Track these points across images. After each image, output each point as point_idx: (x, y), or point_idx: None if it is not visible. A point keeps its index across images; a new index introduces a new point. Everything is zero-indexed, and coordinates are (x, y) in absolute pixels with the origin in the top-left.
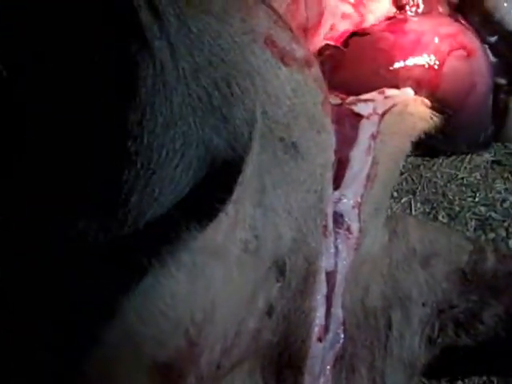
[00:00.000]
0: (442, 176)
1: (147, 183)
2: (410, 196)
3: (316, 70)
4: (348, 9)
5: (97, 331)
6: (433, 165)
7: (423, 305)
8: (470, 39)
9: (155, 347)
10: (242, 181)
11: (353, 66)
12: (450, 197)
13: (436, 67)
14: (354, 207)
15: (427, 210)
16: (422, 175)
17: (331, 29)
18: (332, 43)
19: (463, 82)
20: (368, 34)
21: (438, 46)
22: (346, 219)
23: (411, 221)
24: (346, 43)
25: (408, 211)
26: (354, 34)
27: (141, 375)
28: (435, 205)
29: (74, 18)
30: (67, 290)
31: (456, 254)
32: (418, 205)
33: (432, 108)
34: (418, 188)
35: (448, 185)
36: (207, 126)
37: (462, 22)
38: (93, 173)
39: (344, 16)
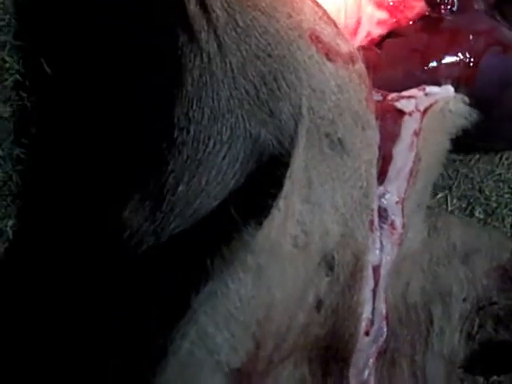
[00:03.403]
0: (478, 172)
1: (194, 174)
2: (446, 191)
3: (360, 66)
4: (384, 15)
5: (169, 336)
6: (469, 160)
7: (464, 300)
8: (506, 35)
9: (229, 352)
10: (291, 175)
11: (388, 68)
12: (487, 193)
13: (472, 64)
14: (397, 203)
15: (463, 206)
16: (458, 171)
17: (367, 36)
18: (366, 46)
19: (500, 78)
20: (402, 35)
21: (473, 43)
22: (390, 214)
23: (451, 218)
24: (380, 46)
25: (444, 207)
26: (388, 35)
27: (218, 382)
28: (471, 200)
29: (121, 9)
30: (136, 294)
31: (497, 251)
32: (454, 200)
33: (469, 104)
34: (454, 183)
35: (485, 180)
36: (254, 120)
37: (498, 18)
38: (140, 161)
39: (380, 22)
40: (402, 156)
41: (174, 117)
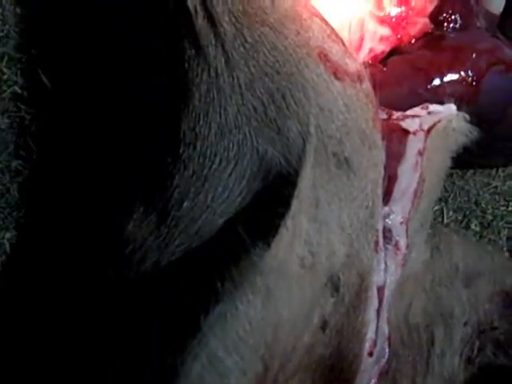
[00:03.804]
0: (474, 184)
1: (200, 190)
2: (442, 204)
3: (367, 85)
4: (386, 31)
5: (180, 357)
6: (465, 173)
7: (465, 324)
8: (508, 54)
9: (238, 376)
10: (298, 195)
11: (392, 85)
12: (483, 205)
13: (475, 83)
14: (402, 223)
15: (459, 219)
16: (454, 183)
17: (370, 52)
18: (370, 62)
19: (502, 96)
20: (406, 52)
21: (476, 62)
22: (395, 235)
23: (454, 238)
24: (384, 62)
25: (440, 219)
26: (392, 52)
27: None
28: (467, 213)
29: (127, 22)
30: (140, 312)
31: (500, 275)
32: (450, 213)
33: (470, 122)
34: (450, 196)
35: (481, 193)
36: (262, 137)
37: (501, 36)
38: (145, 174)
39: (382, 39)
40: (407, 176)
41: (180, 131)
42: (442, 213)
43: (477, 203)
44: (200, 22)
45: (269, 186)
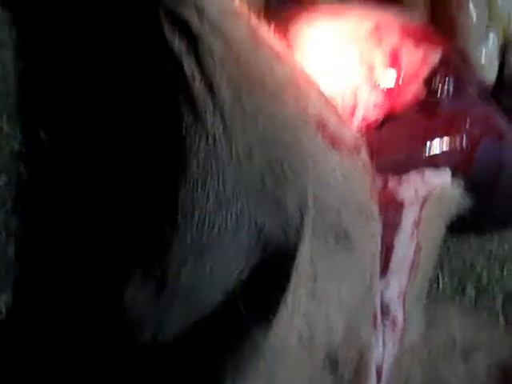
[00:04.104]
0: (469, 248)
1: (198, 259)
2: (438, 270)
3: (364, 155)
4: (380, 97)
5: None
6: (460, 237)
7: None
8: (501, 122)
9: None
10: (297, 268)
11: (388, 151)
12: (478, 270)
13: (469, 150)
14: (399, 296)
15: (455, 283)
16: (449, 248)
17: (364, 118)
18: (365, 128)
19: (495, 163)
20: (401, 118)
21: (470, 129)
22: (392, 309)
23: (451, 309)
24: (379, 128)
25: (435, 284)
26: (387, 118)
27: None
28: (463, 277)
29: (123, 86)
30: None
31: (497, 348)
32: (446, 278)
33: (464, 189)
34: (444, 260)
35: (476, 257)
36: (260, 208)
37: (492, 104)
38: (142, 244)
39: (376, 105)
40: (403, 247)
41: (177, 200)
42: (438, 278)
43: (472, 268)
44: (197, 86)
45: (267, 259)
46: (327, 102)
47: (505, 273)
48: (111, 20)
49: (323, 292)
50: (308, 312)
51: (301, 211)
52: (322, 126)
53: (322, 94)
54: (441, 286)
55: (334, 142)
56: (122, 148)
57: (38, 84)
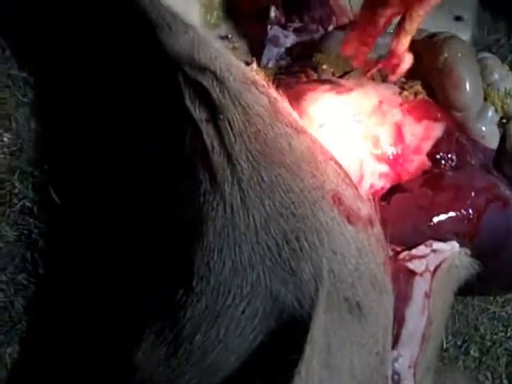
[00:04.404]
0: (473, 309)
1: (212, 324)
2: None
3: (378, 229)
4: (385, 168)
5: None
6: (464, 298)
7: None
8: (505, 190)
9: None
10: (311, 340)
11: (396, 222)
12: (482, 331)
13: (475, 219)
14: (410, 367)
15: (458, 343)
16: (453, 307)
17: (370, 188)
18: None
19: (500, 231)
20: (407, 189)
21: (475, 200)
22: (403, 379)
23: (459, 375)
24: (387, 199)
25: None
26: (393, 189)
27: None
28: (467, 338)
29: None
30: None
31: None
32: (450, 337)
33: (471, 256)
34: (449, 320)
35: (479, 318)
36: (275, 278)
37: (495, 173)
38: (157, 306)
39: (382, 175)
40: (414, 319)
41: (194, 264)
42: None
43: (476, 328)
44: (216, 158)
45: (281, 327)
46: (344, 176)
47: (508, 334)
48: (134, 84)
49: (336, 364)
50: (322, 383)
51: (315, 282)
52: (337, 200)
53: (339, 168)
54: (445, 345)
55: (350, 217)
56: (140, 210)
57: (50, 143)
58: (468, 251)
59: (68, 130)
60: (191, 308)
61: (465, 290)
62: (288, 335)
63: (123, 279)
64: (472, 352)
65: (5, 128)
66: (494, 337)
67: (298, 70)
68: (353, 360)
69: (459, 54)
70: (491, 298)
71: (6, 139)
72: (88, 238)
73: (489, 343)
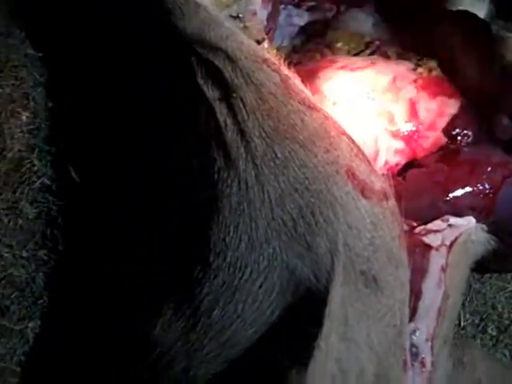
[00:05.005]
0: (491, 287)
1: (230, 299)
2: (459, 308)
3: (393, 203)
4: (400, 144)
5: None
6: (482, 276)
7: None
8: None
9: None
10: (329, 313)
11: (412, 197)
12: (500, 309)
13: (491, 195)
14: (427, 340)
15: (476, 322)
16: (471, 286)
17: (385, 164)
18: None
19: None
20: (423, 165)
21: (491, 175)
22: (421, 352)
23: (477, 352)
24: (403, 175)
25: (456, 322)
26: (409, 165)
27: None
28: (484, 316)
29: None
30: None
31: None
32: (467, 315)
33: (488, 232)
34: (466, 299)
35: (497, 297)
36: (291, 252)
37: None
38: (173, 279)
39: (397, 152)
40: (431, 293)
41: (210, 240)
42: (459, 315)
43: (493, 307)
44: (230, 135)
45: (299, 301)
46: (358, 151)
47: None
48: (144, 65)
49: (354, 336)
50: (340, 356)
51: (331, 256)
52: (351, 175)
53: (352, 143)
54: (462, 323)
55: (364, 191)
56: (155, 187)
57: (67, 121)
58: (484, 227)
59: (82, 111)
60: (208, 284)
61: (482, 268)
62: (305, 309)
63: (140, 256)
64: (490, 330)
65: (23, 107)
66: None
67: (312, 49)
68: (370, 333)
69: None
70: (508, 277)
71: (24, 118)
72: (106, 214)
73: (506, 322)
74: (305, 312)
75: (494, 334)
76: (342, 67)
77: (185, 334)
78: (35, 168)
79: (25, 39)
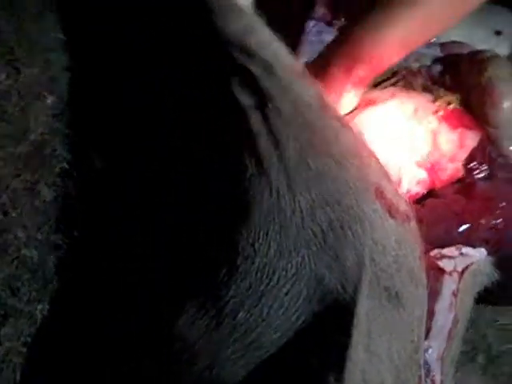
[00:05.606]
0: (484, 319)
1: (256, 303)
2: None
3: (414, 225)
4: (423, 174)
5: None
6: (476, 309)
7: None
8: None
9: None
10: (357, 324)
11: (429, 224)
12: (490, 341)
13: (504, 229)
14: (437, 359)
15: (467, 350)
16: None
17: (407, 193)
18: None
19: None
20: (441, 196)
21: (504, 210)
22: (432, 370)
23: (472, 375)
24: (422, 203)
25: None
26: (428, 195)
27: None
28: (475, 345)
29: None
30: None
31: None
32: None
33: (495, 265)
34: None
35: (488, 328)
36: (320, 262)
37: None
38: (198, 279)
39: (419, 182)
40: (443, 315)
41: (238, 245)
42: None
43: (484, 338)
44: (263, 144)
45: (325, 309)
46: (385, 172)
47: None
48: (181, 69)
49: (376, 349)
50: (364, 367)
51: (359, 269)
52: (380, 194)
53: (381, 165)
54: None
55: (391, 210)
56: (184, 188)
57: (91, 108)
58: (492, 259)
59: (104, 100)
60: (235, 286)
61: (480, 298)
62: (331, 318)
63: (165, 251)
64: (479, 360)
65: (49, 90)
66: (501, 348)
67: None
68: (391, 346)
69: (502, 74)
70: (501, 309)
71: (49, 101)
72: (132, 204)
73: (494, 353)
74: (331, 321)
75: (483, 363)
76: (366, 104)
77: (208, 332)
78: (57, 152)
79: (56, 23)
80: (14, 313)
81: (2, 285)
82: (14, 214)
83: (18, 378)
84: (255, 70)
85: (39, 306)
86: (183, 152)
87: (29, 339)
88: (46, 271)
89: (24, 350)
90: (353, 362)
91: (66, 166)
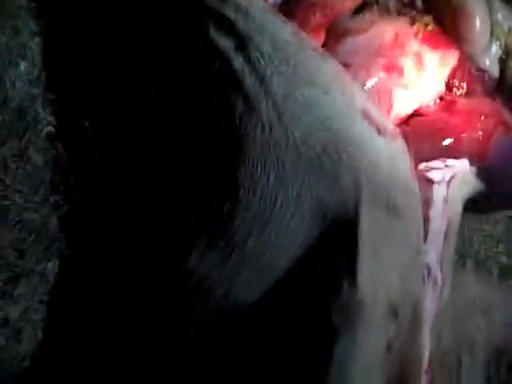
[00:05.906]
0: (468, 229)
1: (263, 229)
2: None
3: (402, 141)
4: (410, 96)
5: None
6: (463, 217)
7: (486, 348)
8: (509, 116)
9: None
10: (362, 235)
11: (415, 141)
12: (476, 247)
13: (484, 141)
14: (437, 261)
15: (456, 258)
16: None
17: (397, 116)
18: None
19: (506, 153)
20: (425, 114)
21: (484, 124)
22: (432, 270)
23: (469, 276)
24: (407, 123)
25: None
26: (413, 114)
27: None
28: (463, 253)
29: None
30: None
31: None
32: None
33: (478, 176)
34: None
35: (474, 236)
36: (319, 184)
37: (498, 100)
38: (205, 216)
39: (407, 103)
40: (437, 220)
41: (238, 178)
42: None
43: (471, 245)
44: (249, 82)
45: (330, 227)
46: (368, 97)
47: (499, 250)
48: (156, 21)
49: (382, 256)
50: (372, 274)
51: (356, 187)
52: (367, 116)
53: (363, 90)
54: None
55: (379, 130)
56: (178, 134)
57: (64, 68)
58: (476, 171)
59: (80, 62)
60: (240, 217)
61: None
62: (336, 234)
63: (169, 194)
64: (468, 265)
65: (21, 56)
66: (487, 252)
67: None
68: (394, 252)
69: None
70: (483, 218)
71: (22, 67)
72: (121, 160)
73: (482, 258)
74: (337, 236)
75: (473, 268)
76: (345, 33)
77: (220, 263)
78: (40, 117)
79: None
80: (24, 273)
81: (9, 248)
82: (7, 182)
83: (39, 335)
84: (229, 13)
85: (49, 265)
86: (175, 139)
87: (44, 297)
88: (50, 231)
89: (41, 307)
90: (362, 268)
91: (53, 130)
